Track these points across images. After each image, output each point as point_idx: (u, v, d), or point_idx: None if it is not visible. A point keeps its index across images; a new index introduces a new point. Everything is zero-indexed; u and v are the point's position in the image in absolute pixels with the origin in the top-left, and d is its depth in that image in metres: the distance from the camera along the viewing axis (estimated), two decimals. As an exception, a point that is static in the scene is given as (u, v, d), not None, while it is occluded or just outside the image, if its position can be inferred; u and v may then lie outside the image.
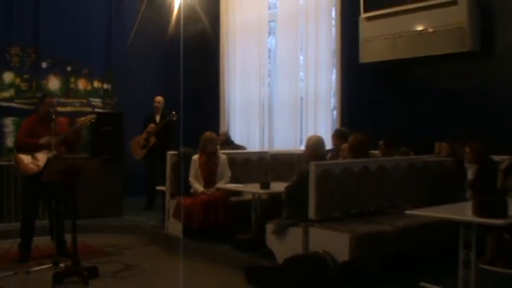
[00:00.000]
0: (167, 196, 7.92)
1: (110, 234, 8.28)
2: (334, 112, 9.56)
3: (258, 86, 10.89)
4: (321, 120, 9.71)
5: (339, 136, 7.88)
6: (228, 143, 9.68)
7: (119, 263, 6.61)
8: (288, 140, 10.24)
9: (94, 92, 11.26)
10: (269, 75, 10.96)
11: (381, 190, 6.34)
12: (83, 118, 6.97)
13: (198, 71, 11.67)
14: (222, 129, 11.13)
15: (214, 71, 11.64)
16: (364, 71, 8.82)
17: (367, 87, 8.94)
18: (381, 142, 7.38)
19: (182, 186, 7.52)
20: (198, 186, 7.52)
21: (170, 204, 7.81)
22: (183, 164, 7.62)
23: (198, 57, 11.64)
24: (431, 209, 4.91)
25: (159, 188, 8.58)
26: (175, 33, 11.40)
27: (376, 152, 7.48)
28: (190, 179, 7.59)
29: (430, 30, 7.69)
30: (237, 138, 10.84)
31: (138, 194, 9.99)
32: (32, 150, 6.66)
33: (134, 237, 8.17)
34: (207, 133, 7.79)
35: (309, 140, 6.76)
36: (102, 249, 7.38)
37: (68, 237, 6.51)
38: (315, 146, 6.59)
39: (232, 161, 7.98)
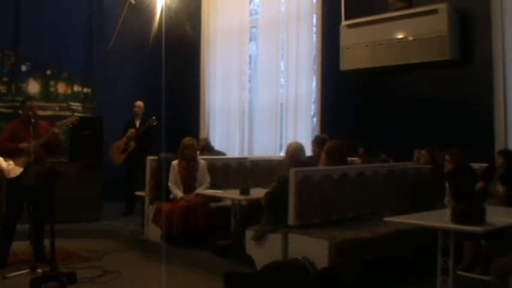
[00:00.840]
0: (146, 201, 7.88)
1: (89, 239, 8.20)
2: (314, 119, 9.57)
3: (238, 91, 10.88)
4: (301, 127, 9.72)
5: (318, 143, 7.85)
6: (207, 148, 9.65)
7: (98, 269, 6.54)
8: (268, 146, 10.23)
9: (74, 96, 11.17)
10: (250, 81, 10.95)
11: (360, 197, 6.36)
12: (65, 120, 6.94)
13: (179, 76, 11.64)
14: (202, 135, 11.11)
15: (195, 76, 11.62)
16: (345, 78, 8.85)
17: (348, 94, 8.97)
18: (361, 150, 7.42)
19: (164, 192, 7.50)
20: (177, 192, 7.49)
21: (149, 209, 7.77)
22: (163, 169, 7.60)
23: (179, 62, 11.60)
24: (410, 216, 4.92)
25: (138, 193, 8.54)
26: (156, 38, 11.37)
27: (356, 158, 7.51)
28: (169, 184, 7.55)
29: (411, 38, 7.74)
30: (217, 144, 10.82)
31: (118, 199, 9.92)
32: (12, 154, 6.60)
33: (113, 243, 8.10)
34: (187, 139, 7.76)
35: (289, 146, 6.79)
36: (80, 254, 7.31)
37: (46, 242, 6.45)
38: (294, 152, 6.63)
39: (212, 167, 7.96)
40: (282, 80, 10.17)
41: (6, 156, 6.63)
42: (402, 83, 8.32)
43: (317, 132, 9.20)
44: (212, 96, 11.45)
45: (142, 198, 8.14)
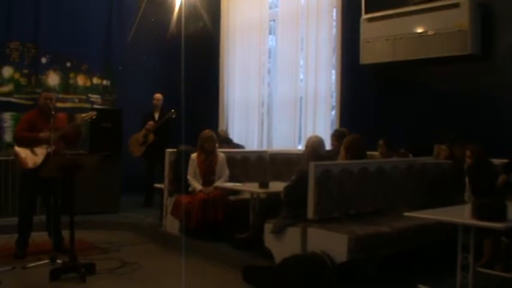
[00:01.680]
0: (165, 194, 7.92)
1: (108, 231, 8.27)
2: (333, 112, 9.56)
3: (257, 85, 10.89)
4: (320, 121, 9.72)
5: (337, 136, 7.84)
6: (226, 141, 9.66)
7: (116, 260, 6.59)
8: (286, 139, 10.24)
9: (93, 89, 11.23)
10: (269, 74, 10.95)
11: (379, 191, 6.35)
12: (84, 114, 6.97)
13: (198, 69, 11.65)
14: (221, 128, 11.13)
15: (214, 69, 11.64)
16: (364, 72, 8.82)
17: (367, 88, 8.94)
18: (381, 142, 7.40)
19: (183, 184, 7.52)
20: (196, 185, 7.52)
21: (168, 202, 7.80)
22: (183, 161, 7.64)
23: (198, 55, 11.62)
24: (430, 211, 4.91)
25: (157, 185, 8.58)
26: (175, 31, 11.38)
27: (376, 153, 7.49)
28: (188, 177, 7.59)
29: (431, 32, 7.68)
30: (235, 137, 10.83)
31: (136, 192, 9.98)
32: (31, 144, 6.62)
33: (132, 235, 8.16)
34: (206, 131, 7.80)
35: (309, 140, 6.78)
36: (99, 245, 7.37)
37: (65, 233, 6.50)
38: (314, 146, 6.61)
39: (231, 160, 7.98)
40: (301, 73, 10.16)
41: (25, 146, 6.64)
42: (422, 77, 8.26)
43: (336, 126, 9.19)
44: (231, 89, 11.47)
45: (161, 190, 8.18)
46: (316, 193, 5.73)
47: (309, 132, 9.49)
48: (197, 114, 11.15)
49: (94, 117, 6.95)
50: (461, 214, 4.68)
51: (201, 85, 11.73)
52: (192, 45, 11.12)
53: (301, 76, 10.17)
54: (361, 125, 8.65)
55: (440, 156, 7.12)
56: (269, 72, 10.96)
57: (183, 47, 10.89)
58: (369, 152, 6.94)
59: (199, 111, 11.45)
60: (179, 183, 7.60)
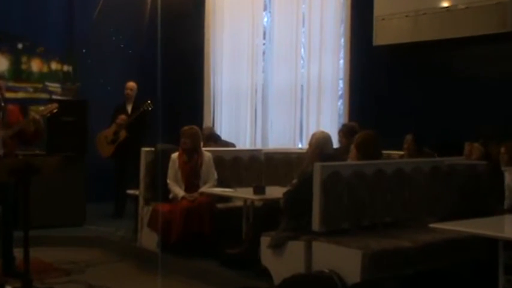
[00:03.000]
0: (140, 202, 7.90)
1: (70, 248, 8.18)
2: (341, 104, 9.57)
3: (249, 71, 10.88)
4: (325, 113, 9.72)
5: (346, 133, 7.90)
6: (213, 139, 9.59)
7: (81, 284, 6.53)
8: (285, 136, 10.25)
9: (51, 75, 11.15)
10: (263, 58, 10.93)
11: (398, 198, 6.32)
12: (43, 108, 6.86)
13: (178, 53, 11.61)
14: (206, 123, 11.14)
15: (198, 53, 11.60)
16: (379, 56, 8.82)
17: (382, 75, 8.92)
18: (408, 137, 7.38)
19: (161, 190, 7.51)
20: (178, 191, 7.51)
21: (144, 211, 7.78)
22: (161, 163, 7.60)
23: (179, 35, 11.59)
24: (461, 222, 4.84)
25: (130, 192, 8.56)
26: (151, 7, 11.33)
27: (393, 152, 7.50)
28: (168, 181, 7.59)
29: (462, 6, 7.67)
30: (224, 133, 10.84)
31: (105, 199, 9.96)
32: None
33: (100, 252, 8.09)
34: (188, 127, 7.78)
35: (313, 136, 6.75)
36: (60, 266, 7.28)
37: (17, 252, 6.37)
38: (319, 144, 6.59)
39: (219, 161, 7.99)
40: (303, 57, 10.14)
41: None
42: (450, 61, 8.25)
43: (344, 120, 9.21)
44: (218, 76, 11.46)
45: (135, 198, 8.17)
46: (322, 200, 5.70)
47: (312, 127, 9.50)
48: (178, 106, 11.12)
49: (55, 110, 6.83)
50: (501, 227, 4.63)
51: (182, 72, 11.69)
52: (171, 24, 11.07)
53: (303, 60, 10.14)
54: (375, 118, 8.66)
55: (473, 156, 7.07)
56: (264, 55, 10.93)
57: (159, 26, 10.82)
58: (384, 151, 6.91)
59: (181, 102, 11.43)
60: (157, 189, 7.58)
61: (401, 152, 7.59)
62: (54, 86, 11.15)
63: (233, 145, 9.93)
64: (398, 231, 6.02)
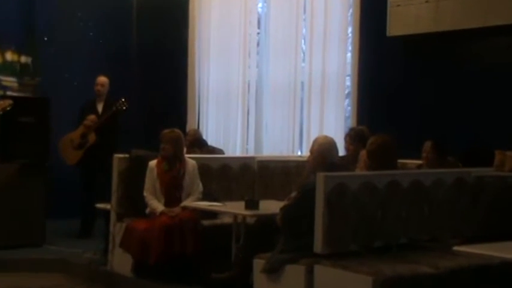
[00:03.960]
0: (112, 218, 7.88)
1: (28, 273, 8.17)
2: (348, 104, 9.62)
3: (241, 65, 10.91)
4: (329, 115, 9.75)
5: (354, 138, 7.93)
6: (198, 144, 9.60)
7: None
8: (283, 141, 10.29)
9: (6, 68, 11.11)
10: (257, 51, 10.96)
11: (416, 215, 6.31)
12: (-6, 105, 6.85)
13: (158, 44, 11.61)
14: (191, 125, 11.15)
15: (181, 43, 11.61)
16: (393, 48, 8.86)
17: (397, 71, 8.96)
18: (428, 144, 7.36)
19: (137, 204, 7.54)
20: (156, 205, 7.50)
21: (116, 229, 7.76)
22: (136, 172, 7.64)
23: (159, 23, 11.62)
24: (491, 245, 4.83)
25: (100, 206, 8.53)
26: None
27: (410, 161, 7.52)
28: (145, 194, 7.58)
29: (490, -9, 7.72)
30: (210, 138, 10.88)
31: (70, 215, 9.91)
32: None
33: (63, 277, 8.09)
34: (169, 130, 7.75)
35: (315, 142, 6.74)
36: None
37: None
38: (322, 151, 6.57)
39: (205, 170, 8.02)
40: (304, 49, 10.17)
41: None
42: (477, 54, 8.29)
43: (352, 123, 9.25)
44: (205, 71, 11.47)
45: (105, 213, 8.16)
46: (326, 216, 5.69)
47: (314, 132, 9.54)
48: (157, 105, 11.12)
49: (9, 108, 6.82)
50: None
51: (162, 65, 11.68)
52: (149, 8, 11.06)
53: (303, 53, 10.17)
54: (388, 121, 8.71)
55: (505, 168, 7.07)
56: (258, 47, 10.96)
57: (135, 12, 10.85)
58: (399, 160, 6.93)
59: (160, 101, 11.43)
60: (132, 203, 7.61)
61: (420, 161, 7.58)
62: (8, 81, 11.09)
63: (221, 152, 9.94)
64: (416, 254, 6.02)
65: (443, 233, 6.44)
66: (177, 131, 7.83)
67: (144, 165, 7.65)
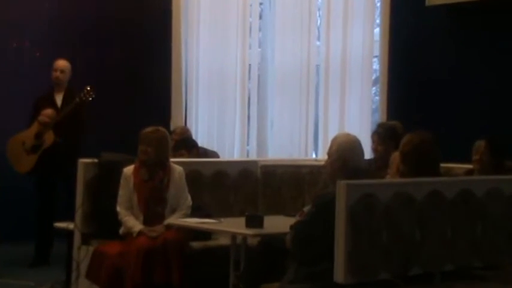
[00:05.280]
0: (76, 240, 7.90)
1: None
2: (376, 95, 9.66)
3: (239, 45, 10.97)
4: (352, 108, 9.80)
5: (383, 136, 7.96)
6: (187, 145, 9.59)
7: None
8: (293, 141, 10.33)
9: None
10: (260, 26, 11.01)
11: (466, 235, 6.27)
12: None
13: (133, 18, 11.62)
14: (176, 122, 11.17)
15: (162, 17, 11.62)
16: (433, 21, 8.88)
17: (438, 50, 8.98)
18: (480, 143, 7.31)
19: (108, 222, 7.55)
20: (132, 223, 7.51)
21: (81, 254, 7.77)
22: (107, 181, 7.67)
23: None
24: None
25: (60, 225, 8.51)
26: None
27: (457, 166, 7.54)
28: (119, 209, 7.58)
29: None
30: (201, 137, 10.96)
31: (21, 237, 9.94)
32: None
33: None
34: (151, 128, 7.78)
35: (334, 141, 6.71)
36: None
37: None
38: (343, 153, 6.55)
39: (195, 178, 8.09)
40: (319, 25, 10.22)
41: None
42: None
43: (381, 117, 9.27)
44: (193, 52, 11.52)
45: (67, 234, 8.16)
46: (349, 236, 5.64)
47: (332, 129, 9.59)
48: (133, 97, 11.08)
49: None
50: None
51: (138, 46, 11.68)
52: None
53: (319, 30, 10.22)
54: (427, 115, 8.75)
55: None
56: (261, 22, 11.02)
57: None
58: (443, 165, 6.86)
59: (137, 91, 11.41)
60: (101, 221, 7.64)
61: (470, 166, 7.54)
62: None
63: (216, 154, 10.00)
64: (466, 284, 6.03)
65: (501, 258, 6.40)
66: (162, 129, 7.87)
67: (117, 173, 7.66)
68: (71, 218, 7.98)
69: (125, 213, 7.54)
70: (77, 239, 7.87)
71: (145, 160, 7.64)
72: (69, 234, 8.07)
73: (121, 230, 7.54)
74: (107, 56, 9.74)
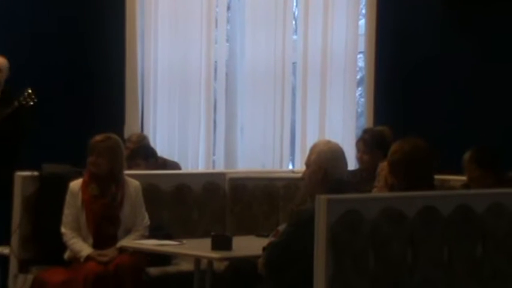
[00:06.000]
0: (12, 267, 7.88)
1: None
2: (362, 97, 9.77)
3: (204, 40, 10.99)
4: (334, 112, 9.85)
5: (370, 144, 8.02)
6: (143, 155, 9.58)
7: None
8: (266, 150, 10.39)
9: None
10: (228, 19, 11.09)
11: (464, 258, 6.27)
12: None
13: (80, 9, 11.57)
14: (131, 128, 11.10)
15: (115, 8, 11.57)
16: (427, 9, 8.98)
17: (432, 43, 9.03)
18: (466, 156, 7.35)
19: (51, 246, 7.54)
20: (80, 246, 7.48)
21: (19, 283, 7.76)
22: (50, 198, 7.66)
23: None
24: None
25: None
26: None
27: (453, 177, 7.57)
28: (63, 229, 7.54)
29: None
30: (161, 145, 10.94)
31: None
32: None
33: None
34: (101, 136, 7.76)
35: (314, 150, 6.74)
36: None
37: None
38: (324, 163, 6.57)
39: (154, 193, 8.09)
40: (296, 16, 10.34)
41: None
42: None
43: (367, 122, 9.36)
44: (150, 49, 11.48)
45: (1, 260, 8.18)
46: (330, 259, 5.61)
47: (311, 136, 9.67)
48: (81, 99, 11.04)
49: None
50: None
51: (87, 40, 11.64)
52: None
53: (295, 22, 10.34)
54: (419, 119, 8.83)
55: None
56: (229, 13, 11.10)
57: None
58: (438, 177, 6.90)
59: (86, 93, 11.34)
60: (43, 244, 7.64)
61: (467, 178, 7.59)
62: None
63: (177, 166, 10.02)
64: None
65: (505, 283, 6.40)
66: (114, 137, 7.86)
67: (62, 188, 7.62)
68: (6, 241, 7.98)
69: (70, 235, 7.50)
70: (13, 265, 7.85)
71: (95, 173, 7.61)
72: (4, 260, 8.06)
73: (66, 255, 7.51)
74: (51, 53, 9.66)
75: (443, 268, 6.16)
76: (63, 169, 7.91)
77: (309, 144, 7.87)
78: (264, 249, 6.15)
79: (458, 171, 7.58)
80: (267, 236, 6.52)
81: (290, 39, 10.23)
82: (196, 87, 11.02)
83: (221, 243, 6.76)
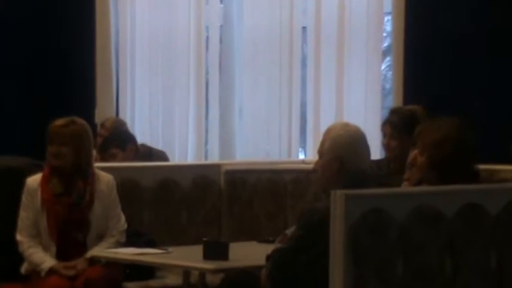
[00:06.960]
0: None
1: None
2: (389, 70, 9.72)
3: (194, 1, 10.95)
4: (354, 88, 9.83)
5: (399, 127, 7.94)
6: (120, 143, 9.54)
7: None
8: (269, 136, 10.39)
9: None
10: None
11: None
12: None
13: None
14: (104, 114, 11.15)
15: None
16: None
17: (473, 6, 8.92)
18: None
19: (6, 257, 7.52)
20: (40, 257, 7.45)
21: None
22: (3, 197, 7.69)
23: None
24: None
25: None
26: None
27: (503, 168, 7.49)
28: (19, 237, 7.52)
29: None
30: (140, 131, 11.01)
31: None
32: None
33: None
34: (65, 120, 7.71)
35: (328, 135, 6.67)
36: None
37: None
38: (340, 151, 6.52)
39: (133, 190, 8.10)
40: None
41: None
42: None
43: (396, 100, 9.32)
44: (126, 12, 11.55)
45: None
46: (349, 268, 5.57)
47: (325, 118, 9.63)
48: (41, 76, 11.03)
49: None
50: None
51: (51, 8, 11.64)
52: None
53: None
54: (460, 96, 8.77)
55: None
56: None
57: None
58: (483, 166, 6.85)
59: (48, 68, 11.33)
60: None
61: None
62: None
63: (163, 156, 10.00)
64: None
65: None
66: (80, 121, 7.80)
67: (18, 185, 7.58)
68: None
69: (28, 244, 7.47)
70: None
71: (57, 166, 7.56)
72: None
73: (23, 268, 7.49)
74: (10, 21, 9.73)
75: (490, 279, 6.12)
76: (18, 162, 7.90)
77: (323, 128, 7.80)
78: (267, 258, 6.08)
79: (508, 161, 7.54)
80: (271, 242, 6.48)
81: (297, 2, 10.17)
82: (184, 59, 11.04)
83: (215, 251, 6.73)
